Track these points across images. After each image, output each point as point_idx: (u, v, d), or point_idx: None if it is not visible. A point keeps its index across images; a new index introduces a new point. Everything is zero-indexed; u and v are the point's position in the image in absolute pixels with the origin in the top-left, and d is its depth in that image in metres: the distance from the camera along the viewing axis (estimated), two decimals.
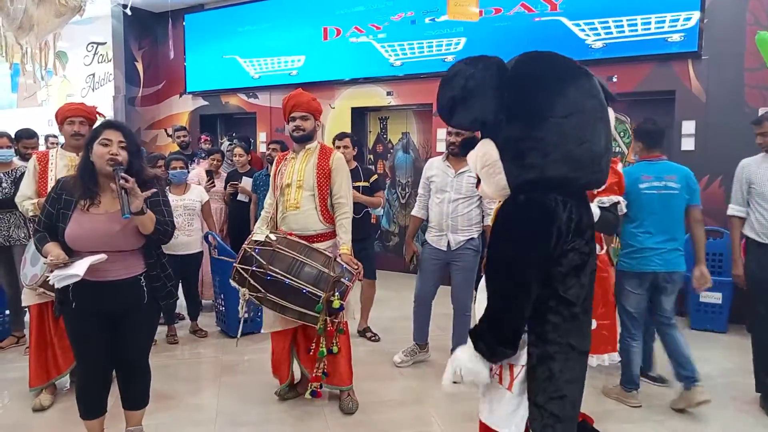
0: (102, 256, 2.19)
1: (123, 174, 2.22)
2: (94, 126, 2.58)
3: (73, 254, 2.25)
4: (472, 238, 3.70)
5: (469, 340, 1.62)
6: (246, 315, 3.22)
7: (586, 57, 5.28)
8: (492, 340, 1.55)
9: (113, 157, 2.25)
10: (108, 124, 2.35)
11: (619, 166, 3.34)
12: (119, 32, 8.18)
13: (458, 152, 3.59)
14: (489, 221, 3.52)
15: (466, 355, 1.60)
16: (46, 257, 2.22)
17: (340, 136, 4.47)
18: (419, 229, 4.06)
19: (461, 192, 3.64)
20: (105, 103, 8.51)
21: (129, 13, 6.80)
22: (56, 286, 2.19)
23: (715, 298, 4.65)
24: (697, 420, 3.11)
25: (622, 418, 3.15)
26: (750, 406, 3.27)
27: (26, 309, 3.44)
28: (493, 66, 1.54)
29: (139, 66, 8.39)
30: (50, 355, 3.24)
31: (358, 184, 4.20)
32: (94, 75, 8.99)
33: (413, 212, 3.98)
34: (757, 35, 1.40)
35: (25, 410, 3.18)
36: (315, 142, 3.25)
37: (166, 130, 8.51)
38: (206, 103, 8.13)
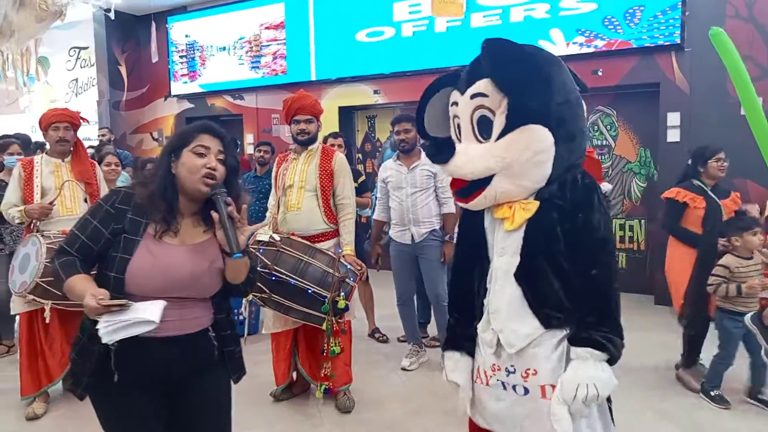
0: (164, 303, 1.52)
1: (228, 198, 1.60)
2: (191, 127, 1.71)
3: (123, 298, 1.52)
4: (434, 230, 3.77)
5: (579, 352, 1.48)
6: (243, 317, 3.22)
7: (571, 51, 5.32)
8: (619, 331, 1.50)
9: (211, 172, 1.60)
10: (204, 128, 1.66)
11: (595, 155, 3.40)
12: (101, 36, 8.11)
13: (409, 149, 3.76)
14: (447, 210, 3.71)
15: (592, 369, 1.45)
16: (75, 292, 1.54)
17: (335, 135, 4.56)
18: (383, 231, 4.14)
19: (417, 185, 3.74)
20: (89, 108, 8.42)
21: (112, 17, 6.73)
22: (106, 339, 1.45)
23: None
24: None
25: None
26: (741, 388, 3.31)
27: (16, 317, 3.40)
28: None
29: (123, 70, 8.32)
30: (41, 363, 3.21)
31: None
32: (77, 80, 8.90)
33: (374, 216, 4.10)
34: (711, 31, 1.43)
35: (19, 420, 3.15)
36: (317, 143, 3.26)
37: (152, 134, 8.45)
38: (192, 105, 8.08)
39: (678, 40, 4.98)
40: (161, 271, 1.57)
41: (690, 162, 3.56)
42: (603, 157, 5.68)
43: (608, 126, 5.68)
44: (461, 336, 1.75)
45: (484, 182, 1.56)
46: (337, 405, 3.21)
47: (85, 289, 1.49)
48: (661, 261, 5.19)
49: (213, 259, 1.65)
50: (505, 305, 1.59)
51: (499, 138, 1.54)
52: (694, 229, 3.37)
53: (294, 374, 3.36)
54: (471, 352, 1.73)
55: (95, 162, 3.51)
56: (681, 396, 3.31)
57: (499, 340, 1.61)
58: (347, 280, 2.96)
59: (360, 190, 4.37)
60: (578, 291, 1.54)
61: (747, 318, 1.76)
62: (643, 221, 5.59)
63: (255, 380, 3.60)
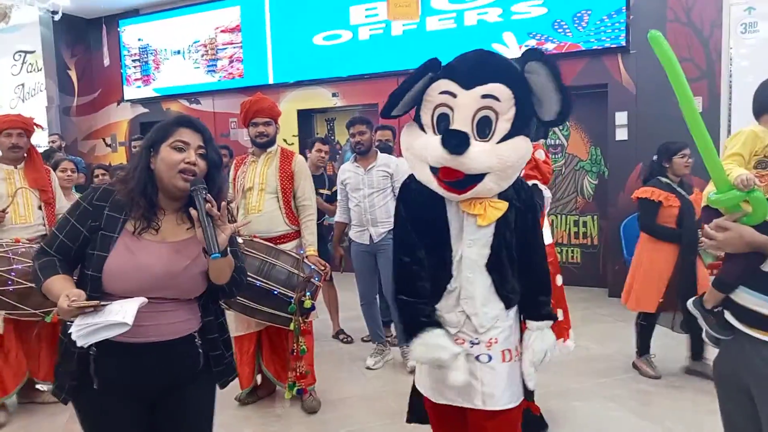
0: (144, 300, 1.46)
1: (207, 195, 1.53)
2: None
3: (101, 298, 1.46)
4: (392, 229, 3.81)
5: (540, 324, 1.82)
6: None
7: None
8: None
9: (189, 167, 1.55)
10: (183, 121, 1.61)
11: (540, 152, 3.39)
12: (49, 40, 7.86)
13: (364, 150, 3.82)
14: None
15: (549, 337, 1.81)
16: (52, 294, 1.46)
17: (324, 141, 4.58)
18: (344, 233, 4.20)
19: (374, 186, 3.81)
20: (37, 113, 8.12)
21: (57, 18, 6.53)
22: (80, 343, 1.39)
23: None
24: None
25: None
26: (686, 375, 3.50)
27: None
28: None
29: (73, 74, 8.09)
30: None
31: (322, 191, 4.32)
32: (23, 85, 8.58)
33: (335, 218, 4.14)
34: (649, 34, 1.52)
35: None
36: (275, 145, 3.28)
37: (104, 140, 8.24)
38: (146, 110, 7.92)
39: (624, 43, 5.20)
40: (137, 268, 1.51)
41: (655, 158, 3.60)
42: (556, 156, 5.87)
43: (560, 126, 5.87)
44: (434, 312, 1.76)
45: (478, 178, 1.64)
46: (304, 406, 3.22)
47: (61, 290, 1.43)
48: (613, 255, 5.42)
49: (194, 258, 1.57)
50: (478, 292, 1.75)
51: (500, 141, 1.65)
52: (668, 226, 3.42)
53: (258, 377, 3.36)
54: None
55: (50, 169, 3.43)
56: (632, 382, 3.47)
57: (467, 320, 1.77)
58: (312, 280, 2.99)
59: (332, 199, 4.41)
60: (530, 277, 1.83)
61: (689, 302, 1.87)
62: (595, 217, 5.80)
63: None
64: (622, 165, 5.37)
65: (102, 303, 1.41)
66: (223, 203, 1.56)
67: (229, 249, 1.58)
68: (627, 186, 5.34)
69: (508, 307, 1.80)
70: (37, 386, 3.33)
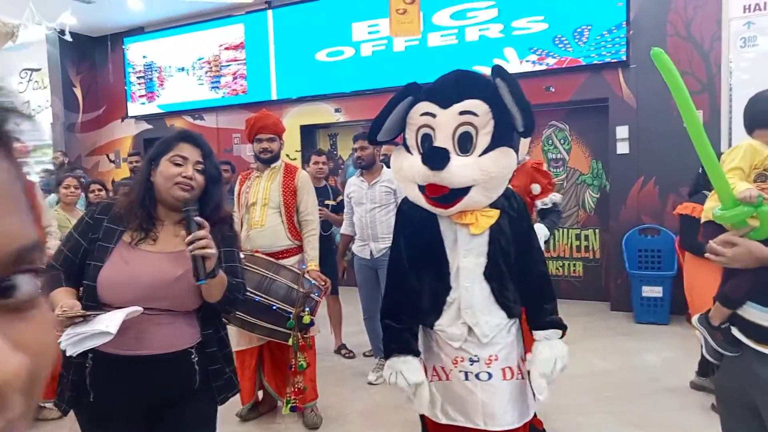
0: (137, 309, 1.47)
1: (199, 219, 1.54)
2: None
3: (98, 308, 1.50)
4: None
5: (547, 334, 1.82)
6: None
7: (525, 69, 5.52)
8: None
9: (186, 181, 1.59)
10: (183, 136, 1.66)
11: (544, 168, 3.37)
12: (55, 58, 7.96)
13: (366, 165, 3.88)
14: None
15: (559, 346, 1.81)
16: (53, 306, 1.46)
17: (318, 153, 4.64)
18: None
19: (376, 201, 3.84)
20: (43, 130, 8.23)
21: (69, 39, 6.62)
22: (69, 352, 1.41)
23: (656, 291, 4.91)
24: (652, 404, 3.29)
25: None
26: (689, 390, 3.47)
27: None
28: None
29: (78, 91, 8.17)
30: None
31: (328, 202, 4.34)
32: (29, 102, 8.67)
33: (342, 230, 4.18)
34: (652, 51, 1.54)
35: None
36: (279, 161, 3.31)
37: (108, 156, 8.30)
38: (150, 126, 7.99)
39: (624, 58, 5.23)
40: (130, 278, 1.53)
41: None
42: (557, 169, 5.88)
43: (561, 140, 5.89)
44: (409, 339, 1.82)
45: (463, 191, 1.70)
46: (305, 422, 3.21)
47: (59, 302, 1.45)
48: (615, 269, 5.41)
49: (188, 269, 1.54)
50: (477, 301, 1.77)
51: (482, 154, 1.70)
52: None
53: (260, 393, 3.35)
54: (417, 354, 1.83)
55: (34, 182, 3.44)
56: (635, 397, 3.44)
57: (469, 332, 1.78)
58: (312, 295, 2.99)
59: (338, 209, 4.43)
60: (530, 285, 1.85)
61: (694, 319, 1.86)
62: (597, 230, 5.80)
63: None
64: (623, 179, 5.38)
65: (90, 313, 1.44)
66: (207, 227, 1.54)
67: (224, 266, 1.61)
68: (628, 199, 5.34)
69: (510, 316, 1.81)
70: (39, 403, 3.31)
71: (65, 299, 1.48)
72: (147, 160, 1.65)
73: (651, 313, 4.95)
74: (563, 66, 5.47)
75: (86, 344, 1.41)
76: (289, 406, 3.09)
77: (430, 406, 1.82)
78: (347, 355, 4.41)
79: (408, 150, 1.81)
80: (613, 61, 5.29)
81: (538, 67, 5.57)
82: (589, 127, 5.70)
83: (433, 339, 1.86)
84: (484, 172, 1.68)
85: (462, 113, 1.70)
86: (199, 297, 1.61)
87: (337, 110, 6.72)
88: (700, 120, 1.56)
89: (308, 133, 7.08)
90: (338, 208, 4.42)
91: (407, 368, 1.75)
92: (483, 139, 1.70)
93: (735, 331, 1.67)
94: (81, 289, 1.60)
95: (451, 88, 1.75)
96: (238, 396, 3.30)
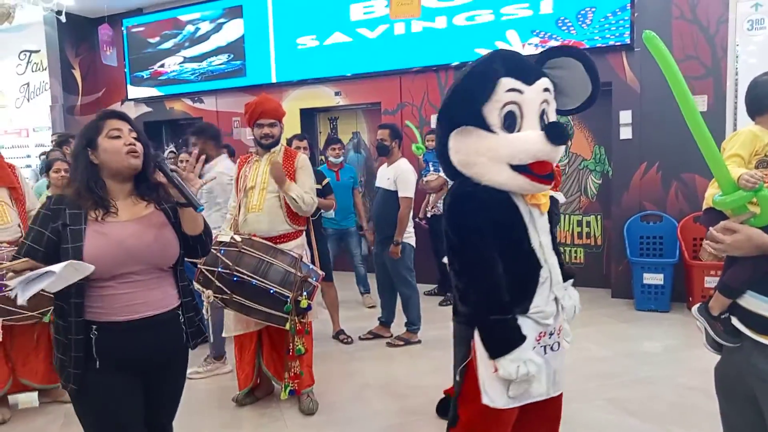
0: (88, 266, 1.61)
1: (166, 163, 1.77)
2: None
3: (86, 284, 1.67)
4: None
5: (567, 284, 1.95)
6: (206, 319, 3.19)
7: (527, 52, 5.43)
8: None
9: (132, 148, 1.75)
10: (108, 114, 1.81)
11: None
12: (53, 39, 7.87)
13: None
14: None
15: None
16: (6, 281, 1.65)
17: (300, 137, 4.59)
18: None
19: None
20: (42, 112, 8.18)
21: (63, 20, 6.54)
22: (20, 300, 1.55)
23: (658, 279, 4.87)
24: (649, 389, 3.27)
25: None
26: (693, 376, 3.44)
27: None
28: None
29: (77, 73, 8.10)
30: None
31: None
32: (28, 84, 8.61)
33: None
34: (644, 35, 1.50)
35: None
36: (279, 145, 3.27)
37: None
38: (150, 109, 7.93)
39: (628, 41, 5.13)
40: (117, 245, 1.69)
41: None
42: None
43: (564, 124, 5.81)
44: (520, 327, 1.75)
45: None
46: (301, 407, 3.20)
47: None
48: (616, 255, 5.36)
49: (160, 227, 1.79)
50: (559, 274, 1.86)
51: None
52: None
53: (257, 378, 3.34)
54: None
55: (13, 164, 3.39)
56: (634, 384, 3.42)
57: (559, 307, 1.85)
58: (309, 279, 2.97)
59: (324, 192, 4.37)
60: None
61: (694, 309, 1.83)
62: (599, 217, 5.75)
63: (217, 384, 3.60)
64: (626, 164, 5.32)
65: (36, 265, 1.62)
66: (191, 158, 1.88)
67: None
68: (631, 185, 5.28)
69: (565, 280, 1.91)
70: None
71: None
72: (82, 147, 1.76)
73: (652, 301, 4.92)
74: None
75: (33, 288, 1.54)
76: (288, 390, 3.09)
77: (511, 396, 1.76)
78: (345, 340, 4.40)
79: (488, 129, 1.72)
80: (617, 44, 5.20)
81: (540, 50, 5.46)
82: (591, 111, 5.51)
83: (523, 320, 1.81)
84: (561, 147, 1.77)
85: (545, 90, 1.76)
86: (176, 249, 1.82)
87: (337, 93, 6.65)
88: (696, 105, 1.54)
89: (308, 116, 7.01)
90: (323, 192, 4.37)
91: (532, 354, 1.74)
92: (552, 116, 1.80)
93: (735, 321, 1.64)
94: None
95: (528, 65, 1.79)
96: (234, 381, 3.34)
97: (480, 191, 1.76)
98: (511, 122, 1.72)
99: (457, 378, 1.89)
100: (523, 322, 1.76)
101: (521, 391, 1.76)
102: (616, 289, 5.38)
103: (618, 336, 4.27)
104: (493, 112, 1.71)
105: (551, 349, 1.84)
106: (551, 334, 1.83)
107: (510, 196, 1.77)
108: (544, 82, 1.76)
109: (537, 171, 1.69)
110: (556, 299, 1.83)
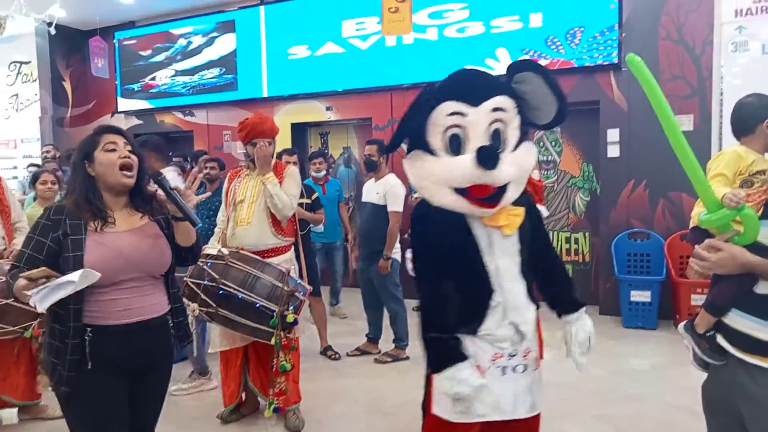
0: (95, 273, 1.67)
1: (167, 182, 1.87)
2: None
3: (85, 290, 1.71)
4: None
5: (576, 315, 1.91)
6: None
7: None
8: None
9: (126, 161, 1.83)
10: (104, 129, 1.91)
11: (535, 173, 3.40)
12: (44, 50, 7.86)
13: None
14: None
15: (588, 322, 1.92)
16: (19, 288, 1.67)
17: (290, 152, 4.63)
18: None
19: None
20: (30, 124, 8.13)
21: (53, 32, 6.52)
22: (39, 308, 1.62)
23: (645, 296, 4.89)
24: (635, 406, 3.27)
25: None
26: (680, 393, 3.45)
27: None
28: None
29: (67, 85, 8.08)
30: None
31: (302, 200, 4.21)
32: (17, 95, 8.57)
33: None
34: (627, 57, 1.53)
35: None
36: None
37: None
38: (140, 122, 7.91)
39: (616, 60, 5.21)
40: (116, 254, 1.78)
41: None
42: (549, 172, 5.86)
43: (553, 142, 5.87)
44: (459, 345, 1.75)
45: (503, 189, 1.70)
46: (287, 425, 3.16)
47: (26, 276, 1.66)
48: (604, 272, 5.39)
49: (156, 236, 1.90)
50: (521, 300, 1.81)
51: (513, 150, 1.73)
52: None
53: (243, 394, 3.30)
54: (467, 358, 1.76)
55: (0, 176, 3.36)
56: (622, 401, 3.42)
57: (516, 331, 1.79)
58: (297, 293, 2.95)
59: (314, 207, 4.36)
60: (557, 274, 1.96)
61: (680, 327, 1.84)
62: (587, 234, 5.78)
63: (201, 401, 3.55)
64: (614, 182, 5.37)
65: (50, 272, 1.66)
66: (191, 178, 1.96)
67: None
68: (619, 203, 5.33)
69: (537, 308, 1.89)
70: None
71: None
72: (80, 160, 1.85)
73: (639, 318, 4.94)
74: (555, 68, 5.44)
75: (53, 297, 1.61)
76: (272, 407, 3.05)
77: (453, 408, 1.75)
78: (333, 356, 4.36)
79: (431, 153, 1.73)
80: (605, 63, 5.27)
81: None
82: (580, 129, 5.68)
83: (466, 340, 1.79)
84: (520, 167, 1.72)
85: (494, 110, 1.70)
86: (169, 258, 1.92)
87: (328, 108, 6.67)
88: (678, 125, 1.58)
89: (299, 131, 7.03)
90: (313, 207, 4.36)
91: (467, 374, 1.69)
92: (512, 135, 1.73)
93: (720, 339, 1.65)
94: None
95: (477, 85, 1.75)
96: (219, 398, 3.30)
97: (434, 212, 1.78)
98: (456, 145, 1.71)
99: (424, 387, 1.91)
100: (473, 341, 1.77)
101: (463, 408, 1.74)
102: (604, 306, 5.40)
103: (605, 353, 4.27)
104: (435, 136, 1.73)
105: (512, 371, 1.81)
106: (512, 355, 1.80)
107: (465, 217, 1.76)
108: (495, 101, 1.70)
109: (476, 194, 1.68)
110: (513, 323, 1.79)
